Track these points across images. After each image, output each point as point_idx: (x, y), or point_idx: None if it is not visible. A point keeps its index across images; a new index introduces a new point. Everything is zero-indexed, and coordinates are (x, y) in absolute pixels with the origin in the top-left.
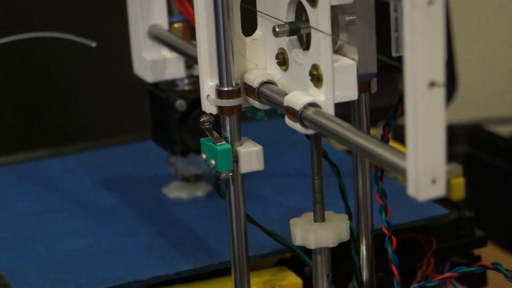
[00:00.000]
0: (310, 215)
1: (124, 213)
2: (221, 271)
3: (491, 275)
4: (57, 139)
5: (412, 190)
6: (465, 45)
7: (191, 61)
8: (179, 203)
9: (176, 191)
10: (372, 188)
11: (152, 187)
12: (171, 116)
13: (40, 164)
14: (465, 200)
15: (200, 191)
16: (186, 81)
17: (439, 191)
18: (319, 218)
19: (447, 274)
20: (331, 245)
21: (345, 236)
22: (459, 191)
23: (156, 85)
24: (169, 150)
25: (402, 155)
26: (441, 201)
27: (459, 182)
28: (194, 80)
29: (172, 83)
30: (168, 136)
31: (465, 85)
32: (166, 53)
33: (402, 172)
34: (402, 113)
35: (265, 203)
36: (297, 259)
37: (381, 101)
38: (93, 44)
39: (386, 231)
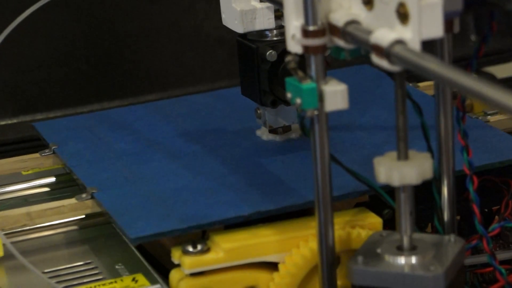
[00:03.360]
0: (394, 154)
1: (219, 154)
2: (304, 212)
3: None
4: (130, 90)
5: None
6: None
7: (279, 7)
8: (273, 145)
9: (270, 134)
10: (454, 128)
11: (244, 132)
12: (262, 67)
13: (124, 111)
14: None
15: (294, 133)
16: (275, 32)
17: None
18: (403, 156)
19: None
20: (414, 183)
21: (428, 173)
22: None
23: (244, 36)
24: (258, 102)
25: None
26: None
27: None
28: (283, 31)
29: (260, 34)
30: (257, 87)
31: None
32: (255, 3)
33: (509, 110)
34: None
35: (346, 148)
36: (375, 202)
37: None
38: None
39: (467, 171)
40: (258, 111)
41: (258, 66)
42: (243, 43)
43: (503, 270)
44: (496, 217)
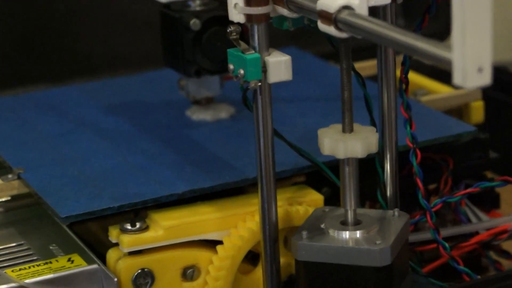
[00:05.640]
0: (338, 126)
1: (149, 135)
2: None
3: (504, 194)
4: (55, 74)
5: (458, 79)
6: None
7: None
8: (204, 125)
9: (200, 114)
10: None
11: (174, 113)
12: (185, 36)
13: (50, 93)
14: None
15: (224, 113)
16: (198, 1)
17: (485, 79)
18: (348, 128)
19: (469, 190)
20: (360, 156)
21: (374, 147)
22: (478, 114)
23: (167, 6)
24: (182, 72)
25: (446, 46)
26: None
27: (479, 105)
28: (207, 1)
29: (184, 4)
30: (181, 57)
31: None
32: None
33: (447, 62)
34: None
35: (286, 124)
36: (313, 181)
37: None
38: None
39: (410, 144)
40: (181, 83)
41: (182, 35)
42: (166, 14)
43: (446, 245)
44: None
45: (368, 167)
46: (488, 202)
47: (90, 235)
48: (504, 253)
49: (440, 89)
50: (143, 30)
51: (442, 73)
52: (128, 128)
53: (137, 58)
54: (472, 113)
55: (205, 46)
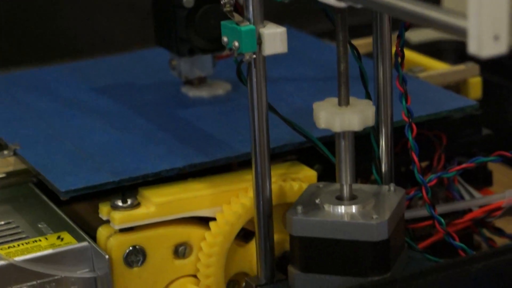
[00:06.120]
0: (334, 99)
1: (145, 112)
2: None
3: (496, 175)
4: (38, 55)
5: (474, 47)
6: None
7: None
8: (200, 101)
9: (196, 91)
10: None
11: (168, 90)
12: (178, 14)
13: (39, 73)
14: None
15: (221, 89)
16: None
17: (501, 47)
18: (344, 101)
19: (464, 165)
20: (356, 129)
21: (370, 120)
22: (476, 91)
23: None
24: (174, 51)
25: (461, 15)
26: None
27: (477, 81)
28: None
29: None
30: (174, 35)
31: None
32: None
33: (462, 31)
34: None
35: (281, 102)
36: (304, 158)
37: None
38: None
39: (406, 119)
40: (173, 63)
41: (175, 13)
42: None
43: (442, 220)
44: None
45: (359, 143)
46: (481, 180)
47: (77, 217)
48: (498, 231)
49: (437, 66)
50: (126, 12)
51: (434, 53)
52: (123, 106)
53: (121, 40)
54: (470, 89)
55: (199, 24)
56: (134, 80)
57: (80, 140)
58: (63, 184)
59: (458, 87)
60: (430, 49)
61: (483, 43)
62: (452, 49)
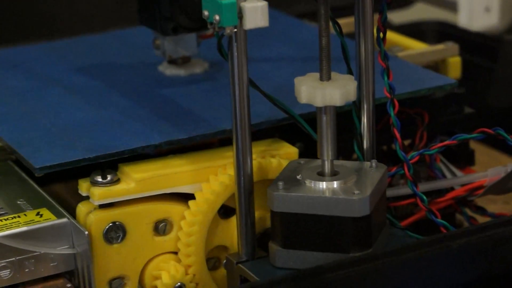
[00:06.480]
0: (316, 74)
1: (121, 90)
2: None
3: (477, 155)
4: (15, 35)
5: (464, 19)
6: None
7: None
8: (178, 80)
9: (173, 69)
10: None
11: (145, 68)
12: None
13: (14, 52)
14: None
15: (198, 68)
16: None
17: (492, 19)
18: (326, 76)
19: (446, 142)
20: (338, 104)
21: (352, 95)
22: (456, 70)
23: None
24: (158, 29)
25: None
26: None
27: (456, 61)
28: None
29: None
30: (158, 13)
31: None
32: None
33: (452, 3)
34: None
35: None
36: (286, 136)
37: None
38: None
39: (388, 95)
40: (157, 42)
41: None
42: None
43: (424, 197)
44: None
45: (341, 122)
46: (463, 159)
47: (56, 198)
48: (480, 209)
49: (416, 46)
50: None
51: (415, 34)
52: (99, 84)
53: (100, 19)
54: (449, 69)
55: (183, 2)
56: (112, 59)
57: (55, 117)
58: (38, 160)
59: (437, 67)
60: (412, 30)
61: (474, 15)
62: (434, 30)
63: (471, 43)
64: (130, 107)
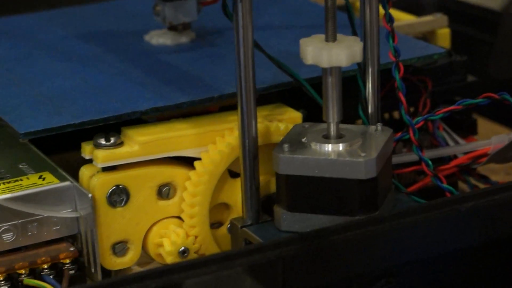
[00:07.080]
0: (321, 36)
1: (108, 57)
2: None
3: (481, 124)
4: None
5: None
6: None
7: None
8: (164, 49)
9: (159, 38)
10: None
11: (132, 38)
12: None
13: (3, 20)
14: None
15: (185, 37)
16: None
17: None
18: (332, 37)
19: (451, 107)
20: (344, 65)
21: (358, 56)
22: (445, 42)
23: None
24: None
25: None
26: None
27: (445, 32)
28: None
29: None
30: None
31: None
32: None
33: None
34: None
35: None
36: (289, 102)
37: None
38: None
39: (393, 58)
40: (157, 8)
41: None
42: None
43: (429, 162)
44: None
45: (345, 87)
46: (466, 128)
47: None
48: (483, 178)
49: (404, 18)
50: None
51: (414, 9)
52: (86, 52)
53: None
54: (438, 40)
55: None
56: (102, 28)
57: (40, 84)
58: (22, 126)
59: (426, 38)
60: (410, 4)
61: None
62: (432, 3)
63: (471, 16)
64: (116, 74)
